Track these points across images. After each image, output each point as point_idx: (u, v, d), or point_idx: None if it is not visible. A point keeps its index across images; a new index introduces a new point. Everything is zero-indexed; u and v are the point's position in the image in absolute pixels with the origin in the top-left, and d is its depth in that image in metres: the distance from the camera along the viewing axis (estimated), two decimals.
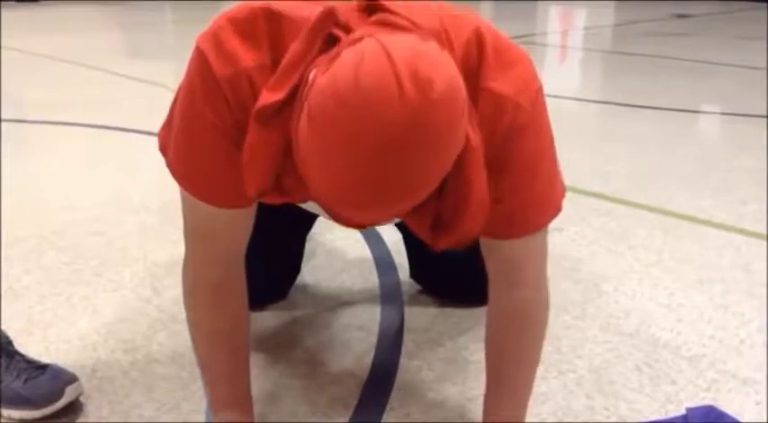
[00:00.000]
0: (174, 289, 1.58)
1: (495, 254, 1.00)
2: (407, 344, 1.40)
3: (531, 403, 1.08)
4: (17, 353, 1.20)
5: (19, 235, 1.87)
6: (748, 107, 3.49)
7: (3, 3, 7.79)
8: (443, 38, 0.84)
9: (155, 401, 1.21)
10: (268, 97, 0.80)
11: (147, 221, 1.97)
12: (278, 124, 0.80)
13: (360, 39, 0.71)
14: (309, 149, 0.71)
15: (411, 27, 0.74)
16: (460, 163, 0.81)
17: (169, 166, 0.97)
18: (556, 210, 0.99)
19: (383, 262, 1.74)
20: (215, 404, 1.07)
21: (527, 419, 1.07)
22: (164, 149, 0.99)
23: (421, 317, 1.50)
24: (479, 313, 1.51)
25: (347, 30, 0.77)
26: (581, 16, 8.83)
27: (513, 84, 0.88)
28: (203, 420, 1.16)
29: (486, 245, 1.00)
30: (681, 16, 8.09)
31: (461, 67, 0.81)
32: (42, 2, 8.82)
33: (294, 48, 0.80)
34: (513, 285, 1.01)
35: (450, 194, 0.84)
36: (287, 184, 0.85)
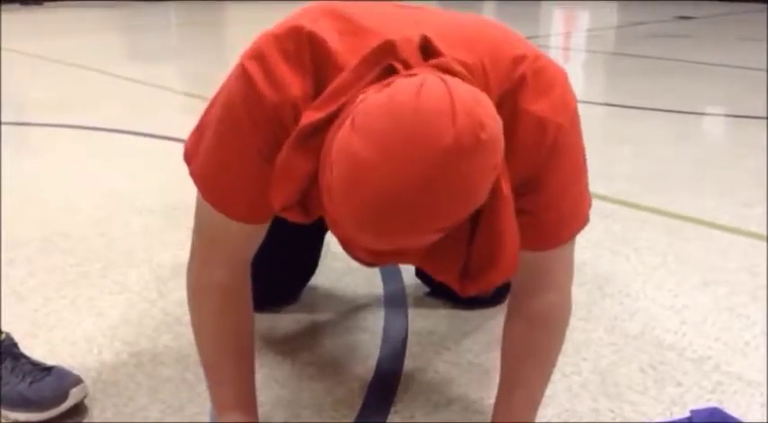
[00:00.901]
0: (178, 291, 1.59)
1: (526, 263, 0.99)
2: (412, 346, 1.40)
3: None
4: (22, 355, 1.20)
5: (22, 237, 1.87)
6: (751, 109, 3.49)
7: (6, 5, 7.81)
8: (481, 68, 0.86)
9: (160, 403, 1.21)
10: (311, 116, 0.80)
11: (150, 223, 1.98)
12: (315, 145, 0.80)
13: (418, 75, 0.73)
14: (345, 159, 0.71)
15: (468, 77, 0.77)
16: (492, 212, 0.83)
17: (193, 173, 0.98)
18: (585, 220, 1.01)
19: (388, 267, 1.74)
20: (219, 405, 1.07)
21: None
22: (189, 157, 1.00)
23: (426, 319, 1.50)
24: (483, 316, 1.52)
25: (406, 66, 0.78)
26: (584, 18, 8.84)
27: (552, 104, 0.90)
28: (208, 422, 1.16)
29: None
30: (683, 18, 8.09)
31: (499, 93, 0.84)
32: (46, 5, 8.84)
33: (347, 73, 0.81)
34: (542, 290, 1.03)
35: (481, 244, 0.85)
36: (312, 205, 0.86)
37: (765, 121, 3.25)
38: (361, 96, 0.76)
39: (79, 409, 1.17)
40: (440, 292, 1.58)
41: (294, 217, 0.88)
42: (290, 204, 0.85)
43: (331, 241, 1.85)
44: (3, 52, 5.02)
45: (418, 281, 1.61)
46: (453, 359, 1.36)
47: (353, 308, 1.55)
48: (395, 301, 1.57)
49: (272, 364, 1.33)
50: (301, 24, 0.89)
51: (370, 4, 0.96)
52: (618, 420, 1.18)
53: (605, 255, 1.83)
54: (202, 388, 1.24)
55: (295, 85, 0.86)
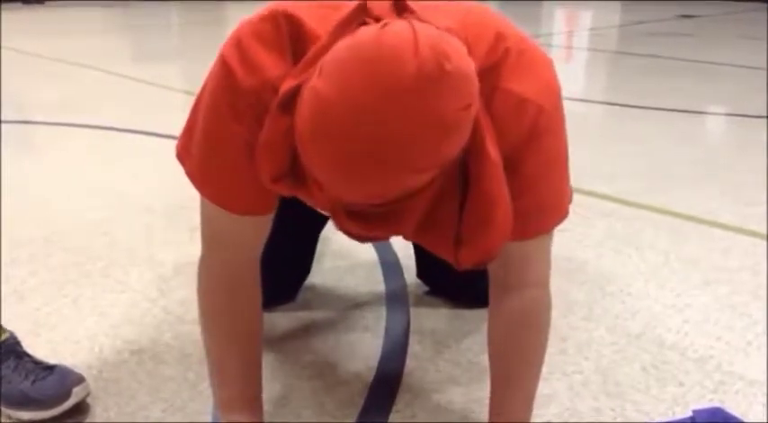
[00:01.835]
0: (180, 290, 1.59)
1: (503, 254, 0.99)
2: (413, 345, 1.40)
3: (536, 405, 1.07)
4: (25, 354, 1.20)
5: (24, 236, 1.87)
6: (753, 108, 3.49)
7: (7, 4, 7.82)
8: (464, 38, 0.83)
9: (161, 402, 1.21)
10: (290, 83, 0.79)
11: (152, 222, 1.98)
12: (293, 111, 0.78)
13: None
14: (310, 102, 0.70)
15: (439, 26, 0.74)
16: (481, 176, 0.81)
17: (189, 172, 0.98)
18: (564, 213, 1.00)
19: (389, 263, 1.74)
20: (224, 405, 1.07)
21: (532, 420, 1.07)
22: (181, 156, 1.00)
23: (427, 318, 1.50)
24: (483, 316, 1.51)
25: (378, 21, 0.76)
26: (586, 17, 8.83)
27: (535, 86, 0.88)
28: (210, 421, 1.16)
29: None
30: (685, 17, 8.08)
31: (480, 67, 0.80)
32: (47, 4, 8.84)
33: (323, 38, 0.80)
34: (521, 285, 1.01)
35: (472, 211, 0.84)
36: (302, 173, 0.83)
37: (767, 120, 3.25)
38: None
39: (81, 407, 1.17)
40: (440, 291, 1.58)
41: (287, 190, 0.86)
42: (280, 175, 0.83)
43: (331, 238, 1.85)
44: (4, 51, 5.03)
45: (419, 281, 1.61)
46: (454, 358, 1.36)
47: (354, 306, 1.55)
48: (396, 299, 1.57)
49: (273, 363, 1.33)
50: (276, 7, 0.88)
51: None
52: (619, 420, 1.18)
53: (607, 254, 1.82)
54: (204, 387, 1.24)
55: (272, 66, 0.85)
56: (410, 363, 1.34)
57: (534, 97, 0.87)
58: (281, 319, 1.49)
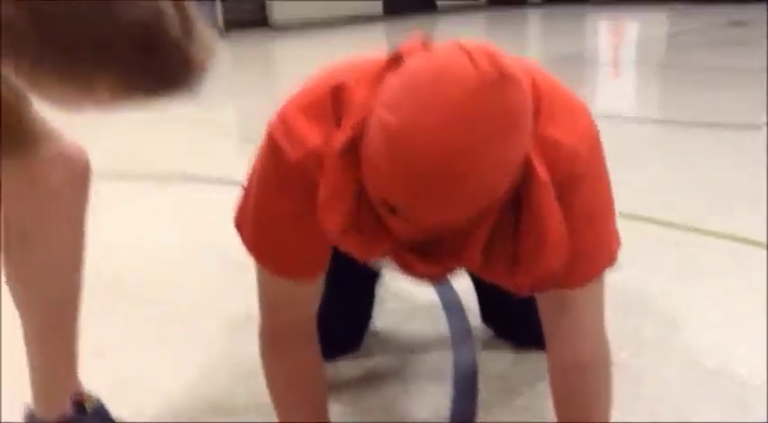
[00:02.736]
0: (251, 343, 1.61)
1: (549, 305, 1.00)
2: (483, 392, 1.40)
3: None
4: (108, 418, 1.24)
5: (97, 290, 1.93)
6: None
7: None
8: None
9: None
10: (340, 138, 0.83)
11: (220, 273, 2.02)
12: (353, 159, 0.81)
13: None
14: (379, 134, 0.73)
15: None
16: (532, 199, 0.83)
17: (245, 243, 1.04)
18: (611, 260, 0.99)
19: (451, 305, 1.74)
20: None
21: None
22: (239, 226, 1.05)
23: (496, 363, 1.49)
24: None
25: None
26: (632, 29, 8.71)
27: (570, 132, 0.89)
28: None
29: (540, 295, 1.01)
30: (736, 23, 7.90)
31: None
32: None
33: (362, 91, 0.84)
34: (574, 336, 1.01)
35: (525, 233, 0.86)
36: (365, 224, 0.85)
37: None
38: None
39: None
40: (505, 335, 1.56)
41: (350, 243, 0.88)
42: (345, 227, 0.85)
43: (390, 282, 1.86)
44: None
45: (482, 323, 1.60)
46: (525, 404, 1.34)
47: (419, 351, 1.55)
48: (461, 343, 1.57)
49: (344, 412, 1.34)
50: (319, 78, 0.93)
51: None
52: None
53: (674, 285, 1.79)
54: None
55: (314, 134, 0.88)
56: (481, 412, 1.33)
57: (571, 142, 0.88)
58: (345, 368, 1.50)
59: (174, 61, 0.68)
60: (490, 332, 1.59)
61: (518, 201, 0.85)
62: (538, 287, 0.92)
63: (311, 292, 1.08)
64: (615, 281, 1.75)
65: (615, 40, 7.92)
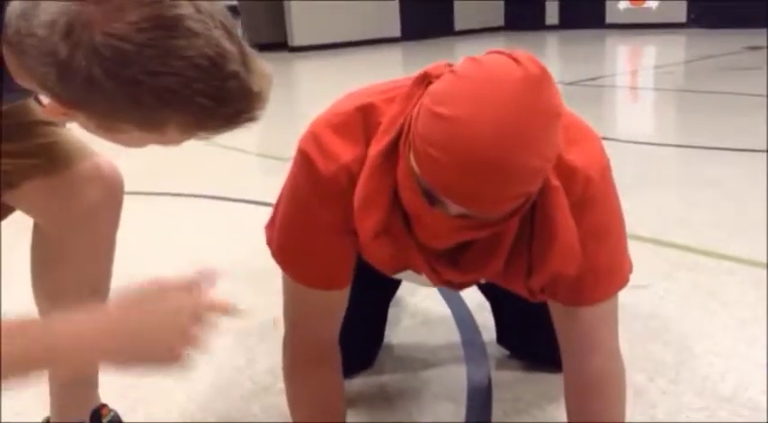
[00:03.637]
0: (265, 359, 1.63)
1: (564, 323, 1.03)
2: (497, 412, 1.40)
3: None
4: None
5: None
6: None
7: None
8: None
9: None
10: (375, 147, 0.89)
11: (236, 289, 2.03)
12: (388, 167, 0.87)
13: None
14: (436, 127, 0.77)
15: None
16: (544, 202, 0.88)
17: (274, 253, 1.07)
18: (623, 281, 1.02)
19: (466, 324, 1.75)
20: None
21: None
22: (269, 241, 1.09)
23: (509, 384, 1.49)
24: None
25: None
26: (650, 54, 8.73)
27: (584, 157, 0.93)
28: None
29: (555, 314, 1.03)
30: (753, 48, 7.88)
31: None
32: None
33: (396, 105, 0.89)
34: (584, 355, 1.03)
35: (538, 237, 0.91)
36: (396, 228, 0.90)
37: None
38: (416, 109, 0.82)
39: None
40: (521, 354, 1.56)
41: (381, 248, 0.92)
42: (379, 230, 0.89)
43: (405, 298, 1.87)
44: None
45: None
46: None
47: (434, 370, 1.55)
48: (476, 363, 1.57)
49: None
50: (348, 100, 0.98)
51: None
52: None
53: (691, 310, 1.78)
54: None
55: (346, 151, 0.93)
56: None
57: (583, 167, 0.93)
58: (359, 384, 1.50)
59: (238, 94, 0.70)
60: (504, 352, 1.60)
61: (533, 210, 0.90)
62: (549, 291, 0.96)
63: (338, 304, 1.10)
64: (633, 303, 1.77)
65: (633, 64, 7.93)
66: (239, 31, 0.72)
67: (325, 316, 1.10)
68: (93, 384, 1.26)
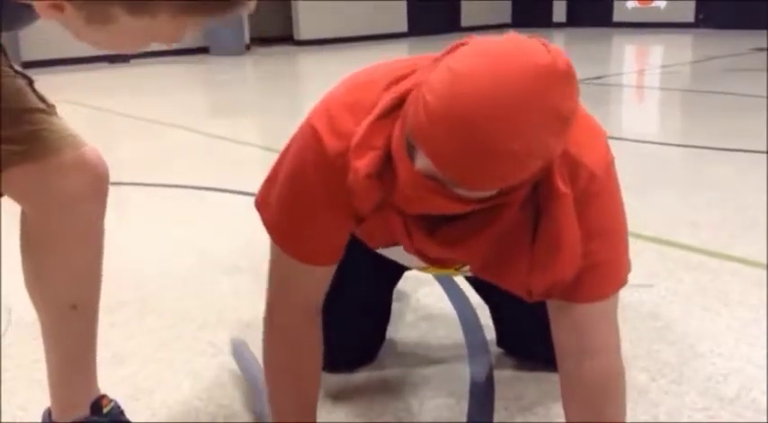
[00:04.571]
0: None
1: (563, 320, 1.01)
2: (499, 411, 1.40)
3: None
4: (122, 421, 1.26)
5: (117, 299, 1.96)
6: None
7: (92, 64, 8.26)
8: None
9: None
10: (392, 93, 0.89)
11: (239, 282, 2.05)
12: (389, 121, 0.87)
13: None
14: (444, 80, 0.76)
15: None
16: (550, 208, 0.88)
17: (266, 222, 1.07)
18: (621, 282, 1.01)
19: (468, 321, 1.75)
20: None
21: None
22: (260, 206, 1.08)
23: (512, 383, 1.49)
24: None
25: None
26: (656, 54, 8.70)
27: (589, 153, 0.93)
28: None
29: (553, 311, 1.02)
30: (758, 50, 7.86)
31: None
32: (132, 61, 9.31)
33: (402, 84, 0.89)
34: (589, 353, 1.01)
35: (542, 239, 0.90)
36: (387, 175, 0.89)
37: None
38: (430, 70, 0.81)
39: None
40: (523, 351, 1.56)
41: (369, 192, 0.90)
42: (372, 172, 0.88)
43: (410, 295, 1.87)
44: (84, 109, 5.31)
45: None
46: None
47: (436, 367, 1.55)
48: (478, 360, 1.57)
49: None
50: (361, 77, 0.98)
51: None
52: None
53: (694, 310, 1.78)
54: None
55: (357, 131, 0.92)
56: None
57: (589, 163, 0.92)
58: (360, 379, 1.51)
59: None
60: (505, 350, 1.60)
61: (538, 211, 0.89)
62: (550, 293, 0.95)
63: (323, 279, 1.10)
64: (636, 303, 1.76)
65: (639, 63, 7.91)
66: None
67: (310, 289, 1.11)
68: (92, 375, 1.27)
